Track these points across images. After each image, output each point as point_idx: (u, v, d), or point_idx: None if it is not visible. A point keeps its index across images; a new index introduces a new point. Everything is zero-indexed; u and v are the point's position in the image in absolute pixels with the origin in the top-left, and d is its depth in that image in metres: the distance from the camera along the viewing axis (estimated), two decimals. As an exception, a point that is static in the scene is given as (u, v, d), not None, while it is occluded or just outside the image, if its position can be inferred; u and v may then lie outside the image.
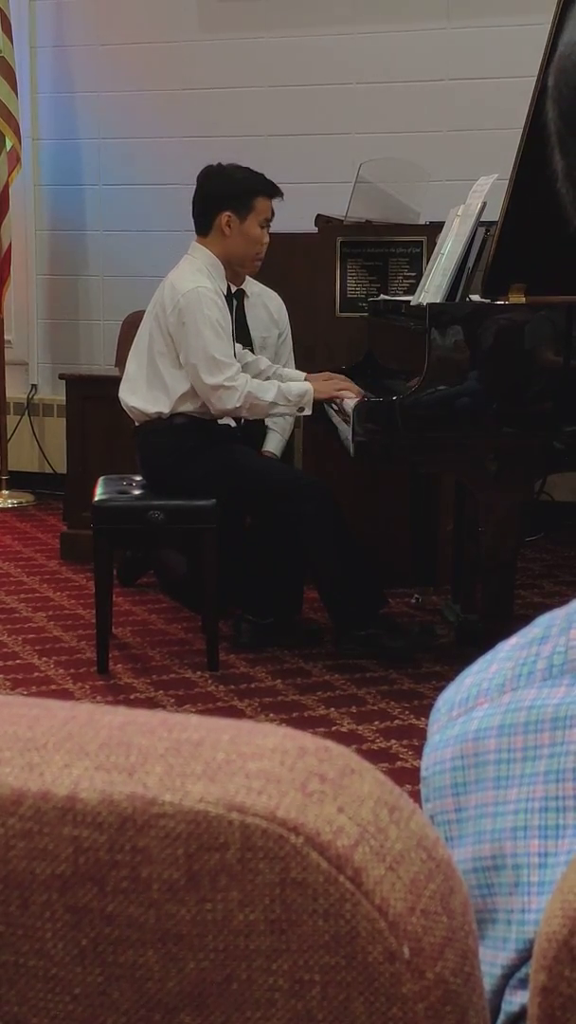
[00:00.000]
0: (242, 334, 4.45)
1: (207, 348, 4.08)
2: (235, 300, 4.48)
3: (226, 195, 4.20)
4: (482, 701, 0.74)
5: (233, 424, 4.42)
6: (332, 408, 4.14)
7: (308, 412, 4.16)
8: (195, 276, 4.17)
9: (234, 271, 4.40)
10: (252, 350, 4.46)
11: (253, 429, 4.45)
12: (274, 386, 4.14)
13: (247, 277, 4.47)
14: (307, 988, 0.54)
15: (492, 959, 0.70)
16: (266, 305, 4.56)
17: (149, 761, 0.56)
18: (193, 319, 4.08)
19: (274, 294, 4.60)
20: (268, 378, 4.27)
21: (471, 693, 0.75)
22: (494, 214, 3.83)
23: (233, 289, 4.44)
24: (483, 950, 0.69)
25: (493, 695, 0.73)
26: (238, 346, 4.35)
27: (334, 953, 0.54)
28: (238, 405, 4.10)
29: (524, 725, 0.70)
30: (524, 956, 0.68)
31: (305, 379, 4.27)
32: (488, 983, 0.69)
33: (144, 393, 4.22)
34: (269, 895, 0.54)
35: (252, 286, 4.55)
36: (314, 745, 0.57)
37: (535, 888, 0.68)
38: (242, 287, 4.49)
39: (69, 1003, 0.57)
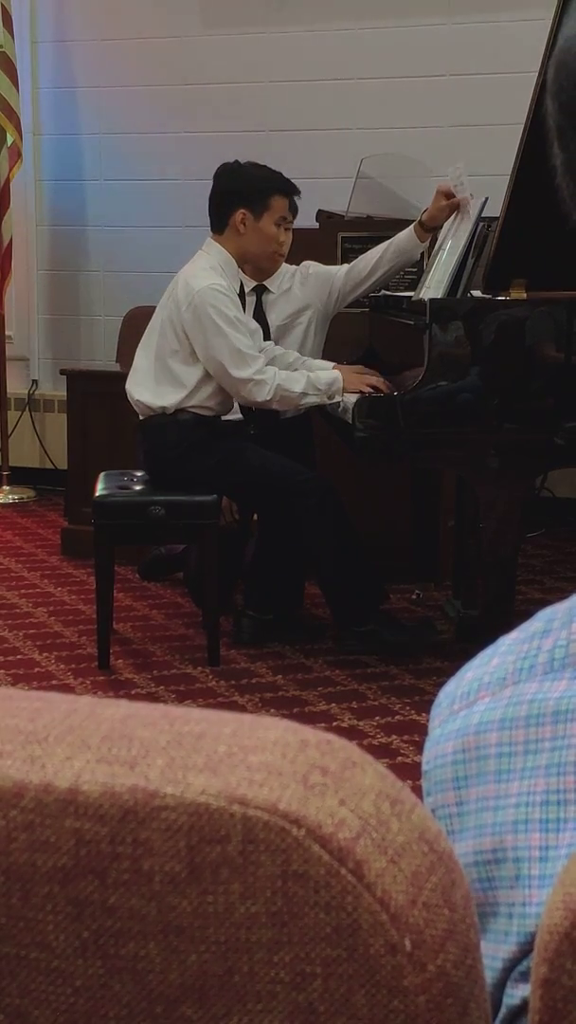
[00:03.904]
0: (262, 331, 4.43)
1: (232, 343, 4.06)
2: (256, 295, 4.47)
3: (242, 193, 4.18)
4: (483, 695, 0.74)
5: (240, 417, 4.41)
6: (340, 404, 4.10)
7: (338, 400, 4.09)
8: (208, 273, 4.15)
9: (257, 268, 4.39)
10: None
11: (270, 427, 4.41)
12: (303, 376, 4.11)
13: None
14: (308, 980, 0.55)
15: (493, 952, 0.70)
16: (290, 290, 4.50)
17: (151, 754, 0.56)
18: (211, 317, 4.06)
19: (295, 268, 4.51)
20: (295, 369, 4.23)
21: (472, 687, 0.75)
22: (495, 210, 3.83)
23: (252, 285, 4.44)
24: (484, 943, 0.69)
25: (494, 689, 0.73)
26: (269, 343, 4.34)
27: (336, 946, 0.54)
28: (268, 398, 4.07)
29: (525, 719, 0.70)
30: (525, 949, 0.68)
31: (333, 368, 4.23)
32: (489, 976, 0.69)
33: (152, 388, 4.21)
34: (271, 887, 0.54)
35: (280, 281, 4.49)
36: (316, 738, 0.57)
37: (536, 881, 0.68)
38: (264, 283, 4.46)
39: (71, 995, 0.57)
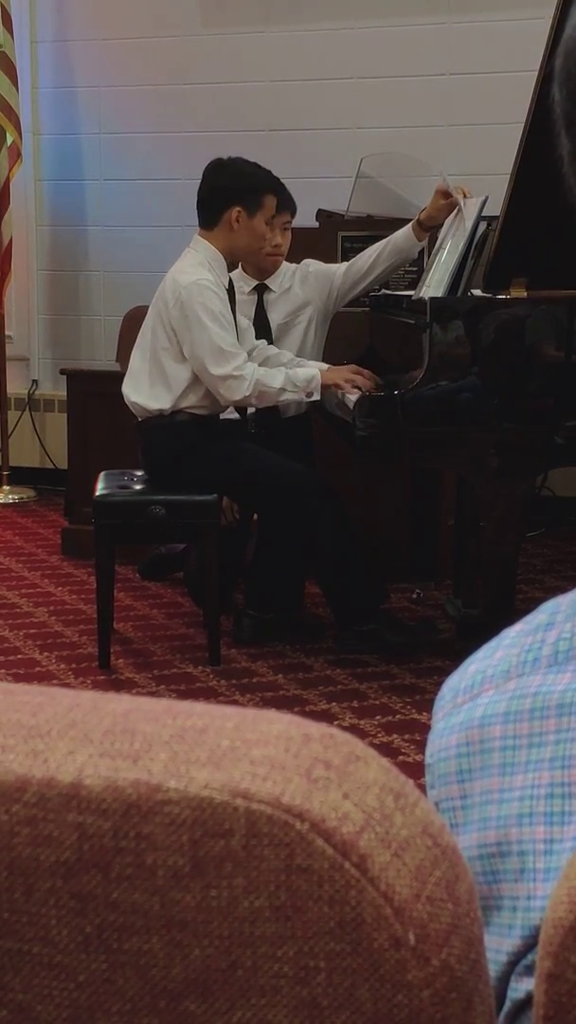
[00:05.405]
0: (262, 329, 4.43)
1: (213, 339, 4.06)
2: (257, 295, 4.47)
3: (238, 189, 4.17)
4: (487, 688, 0.74)
5: (238, 416, 4.40)
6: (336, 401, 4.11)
7: (316, 397, 4.11)
8: (196, 269, 4.16)
9: (258, 268, 4.39)
10: (271, 343, 4.44)
11: (270, 427, 4.41)
12: (281, 373, 4.12)
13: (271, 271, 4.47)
14: (312, 975, 0.54)
15: (497, 946, 0.70)
16: (291, 289, 4.50)
17: (154, 748, 0.56)
18: (195, 312, 4.07)
19: (295, 266, 4.52)
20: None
21: (476, 680, 0.75)
22: (495, 209, 3.83)
23: (253, 284, 4.44)
24: (488, 937, 0.69)
25: (498, 681, 0.73)
26: (262, 341, 4.35)
27: (339, 940, 0.54)
28: (247, 394, 4.08)
29: (530, 711, 0.70)
30: (530, 943, 0.67)
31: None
32: (493, 970, 0.68)
33: (146, 390, 4.22)
34: (274, 882, 0.54)
35: (281, 279, 4.49)
36: (319, 732, 0.57)
37: (541, 875, 0.68)
38: (266, 283, 4.47)
39: (74, 990, 0.56)
